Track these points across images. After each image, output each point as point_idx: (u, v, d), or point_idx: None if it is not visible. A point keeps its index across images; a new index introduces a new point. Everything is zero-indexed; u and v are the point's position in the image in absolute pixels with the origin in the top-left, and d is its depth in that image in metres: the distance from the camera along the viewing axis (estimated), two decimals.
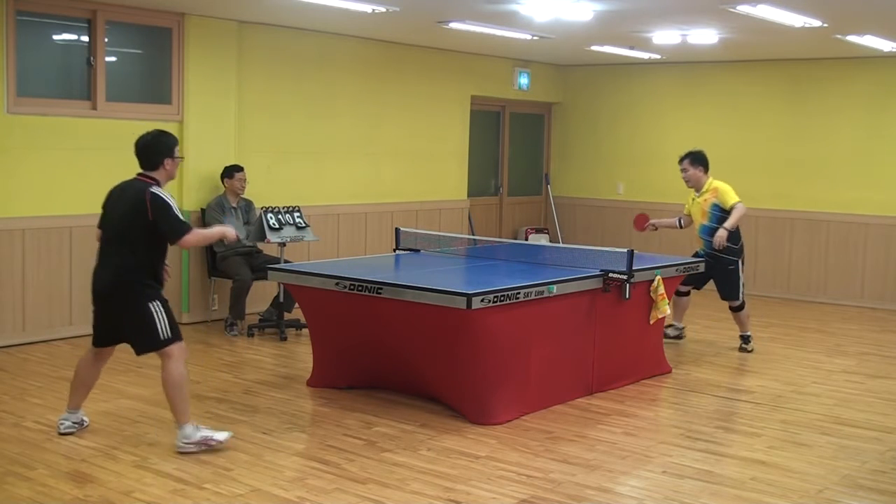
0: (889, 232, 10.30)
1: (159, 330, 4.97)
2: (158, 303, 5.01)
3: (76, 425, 5.34)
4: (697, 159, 7.98)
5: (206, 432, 5.06)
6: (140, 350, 5.11)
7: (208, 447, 5.03)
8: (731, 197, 7.81)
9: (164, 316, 5.00)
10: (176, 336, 5.04)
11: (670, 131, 11.66)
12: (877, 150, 10.39)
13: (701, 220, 7.93)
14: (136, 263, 4.99)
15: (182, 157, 5.31)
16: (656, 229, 8.45)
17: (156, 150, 5.08)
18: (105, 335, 5.20)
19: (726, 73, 11.25)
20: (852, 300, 10.48)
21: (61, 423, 5.31)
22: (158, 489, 4.54)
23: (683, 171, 7.99)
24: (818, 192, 10.73)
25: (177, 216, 4.99)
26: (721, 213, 7.79)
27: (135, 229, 4.96)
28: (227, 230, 5.43)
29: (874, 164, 10.40)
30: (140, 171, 5.12)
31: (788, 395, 6.59)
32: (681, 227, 8.38)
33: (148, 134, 5.16)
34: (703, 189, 7.94)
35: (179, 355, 5.03)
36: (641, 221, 8.38)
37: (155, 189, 4.97)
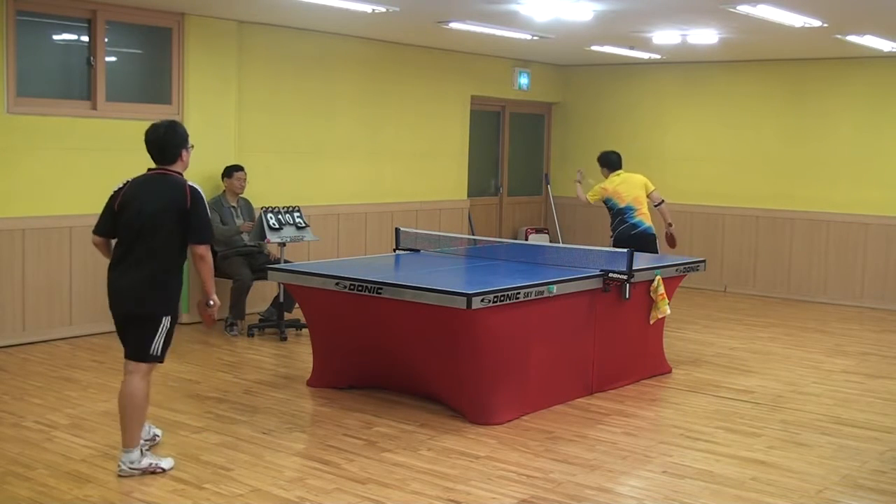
0: (889, 232, 10.30)
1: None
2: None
3: (146, 442, 5.01)
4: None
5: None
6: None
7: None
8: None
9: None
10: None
11: (670, 131, 11.67)
12: (877, 150, 10.39)
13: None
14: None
15: (193, 146, 4.92)
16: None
17: (174, 142, 4.81)
18: None
19: (726, 73, 11.25)
20: (852, 300, 10.48)
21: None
22: (158, 489, 4.54)
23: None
24: (818, 192, 10.73)
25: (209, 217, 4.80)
26: None
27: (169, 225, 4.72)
28: (216, 298, 4.90)
29: (874, 164, 10.40)
30: (153, 167, 4.84)
31: (788, 395, 6.59)
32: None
33: (160, 126, 4.84)
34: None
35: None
36: (671, 241, 8.98)
37: (193, 184, 4.78)
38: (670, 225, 8.89)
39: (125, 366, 4.81)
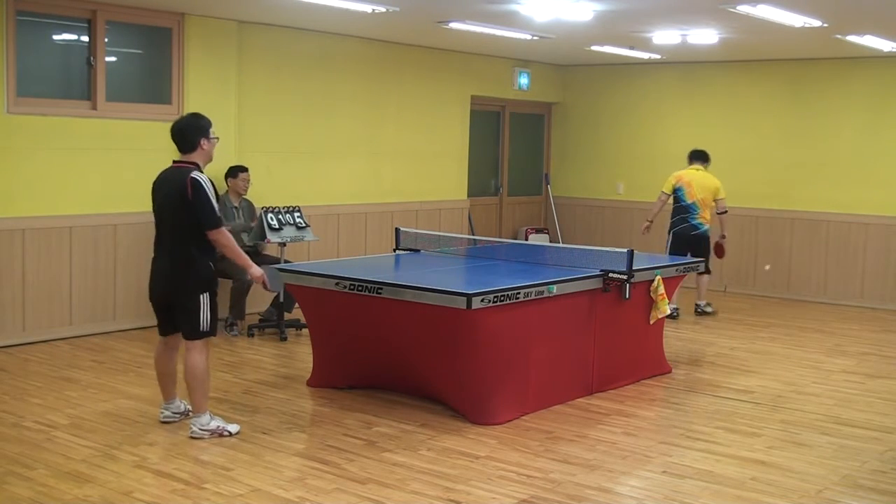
0: (889, 232, 10.30)
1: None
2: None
3: (176, 415, 5.58)
4: None
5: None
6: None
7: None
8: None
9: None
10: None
11: (670, 131, 11.66)
12: (877, 150, 10.39)
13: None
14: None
15: (217, 138, 5.39)
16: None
17: (192, 131, 5.26)
18: None
19: (726, 73, 11.25)
20: (852, 300, 10.48)
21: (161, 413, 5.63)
22: (158, 489, 4.54)
23: None
24: (818, 192, 10.73)
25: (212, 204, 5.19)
26: None
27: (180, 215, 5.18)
28: (254, 269, 5.45)
29: (874, 164, 10.40)
30: (175, 159, 5.31)
31: (788, 395, 6.59)
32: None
33: (182, 117, 5.46)
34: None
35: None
36: (719, 251, 9.48)
37: (196, 174, 5.16)
38: (723, 237, 9.45)
39: (164, 342, 5.46)
